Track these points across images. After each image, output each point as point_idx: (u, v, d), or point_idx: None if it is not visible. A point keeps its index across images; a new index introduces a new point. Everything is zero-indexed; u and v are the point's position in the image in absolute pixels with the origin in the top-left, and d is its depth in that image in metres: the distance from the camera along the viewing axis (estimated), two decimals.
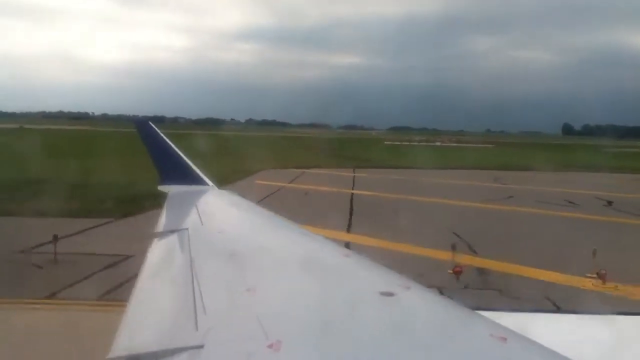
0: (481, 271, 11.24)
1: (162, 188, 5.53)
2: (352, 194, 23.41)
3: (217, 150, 36.65)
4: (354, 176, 31.47)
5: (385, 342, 1.41)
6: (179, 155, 5.97)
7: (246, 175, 27.70)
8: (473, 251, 12.83)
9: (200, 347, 1.43)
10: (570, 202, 22.20)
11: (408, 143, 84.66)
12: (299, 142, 78.10)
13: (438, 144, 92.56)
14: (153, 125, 6.45)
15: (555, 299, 9.43)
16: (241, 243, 2.90)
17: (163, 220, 3.88)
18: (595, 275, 10.10)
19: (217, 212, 4.34)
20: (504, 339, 1.40)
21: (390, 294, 1.72)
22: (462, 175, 33.16)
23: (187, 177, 5.61)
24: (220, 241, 2.98)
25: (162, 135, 6.28)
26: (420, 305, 1.78)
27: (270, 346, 1.35)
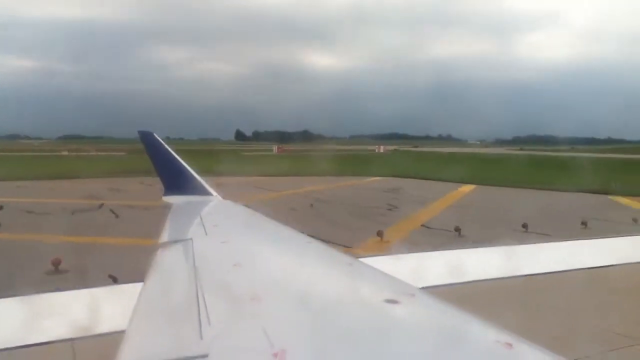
0: None
1: (166, 199, 5.55)
2: None
3: None
4: None
5: (391, 350, 1.40)
6: (183, 165, 6.06)
7: None
8: None
9: (205, 356, 1.42)
10: None
11: (19, 154, 74.94)
12: None
13: (65, 153, 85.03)
14: (157, 136, 6.46)
15: None
16: (245, 252, 2.91)
17: (167, 231, 3.84)
18: None
19: (221, 222, 4.33)
20: (510, 345, 1.40)
21: (395, 302, 1.73)
22: None
23: (190, 187, 5.74)
24: (224, 251, 2.96)
25: (165, 146, 6.34)
26: (426, 312, 1.80)
27: (275, 355, 1.35)
